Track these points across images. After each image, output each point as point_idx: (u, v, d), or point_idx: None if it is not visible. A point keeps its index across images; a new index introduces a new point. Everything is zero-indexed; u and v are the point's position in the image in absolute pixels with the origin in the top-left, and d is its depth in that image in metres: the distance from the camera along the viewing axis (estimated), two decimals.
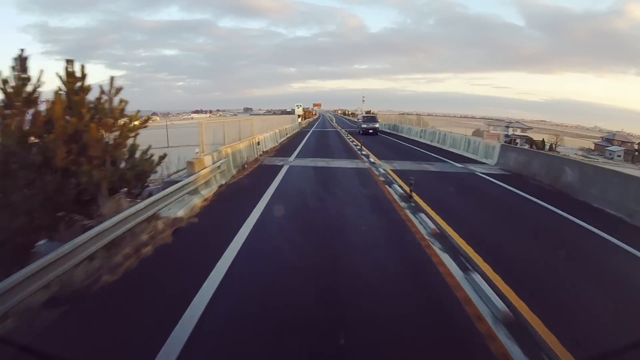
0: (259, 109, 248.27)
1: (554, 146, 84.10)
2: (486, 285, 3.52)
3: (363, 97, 55.19)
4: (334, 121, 55.68)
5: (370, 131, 25.11)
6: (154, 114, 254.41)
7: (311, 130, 27.64)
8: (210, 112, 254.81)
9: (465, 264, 4.10)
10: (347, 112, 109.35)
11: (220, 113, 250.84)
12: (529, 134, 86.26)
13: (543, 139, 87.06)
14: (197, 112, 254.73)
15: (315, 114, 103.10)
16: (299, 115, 41.70)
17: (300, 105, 42.22)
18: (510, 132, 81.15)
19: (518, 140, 65.64)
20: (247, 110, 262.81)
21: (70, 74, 5.10)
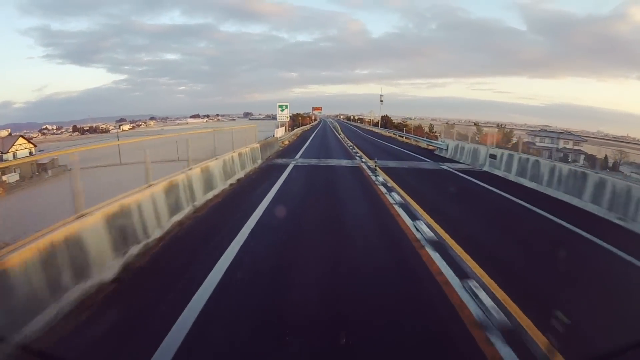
0: (259, 114, 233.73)
1: (617, 164, 65.00)
2: None
3: (381, 96, 37.57)
4: (340, 130, 38.82)
5: None
6: (152, 118, 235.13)
7: (285, 175, 9.39)
8: (207, 116, 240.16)
9: None
10: (352, 118, 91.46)
11: (219, 118, 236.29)
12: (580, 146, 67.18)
13: (606, 155, 68.58)
14: (194, 116, 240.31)
15: (316, 119, 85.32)
16: (281, 125, 23.89)
17: (285, 107, 24.47)
18: (561, 144, 60.62)
19: (570, 156, 47.51)
20: (247, 114, 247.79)
21: None
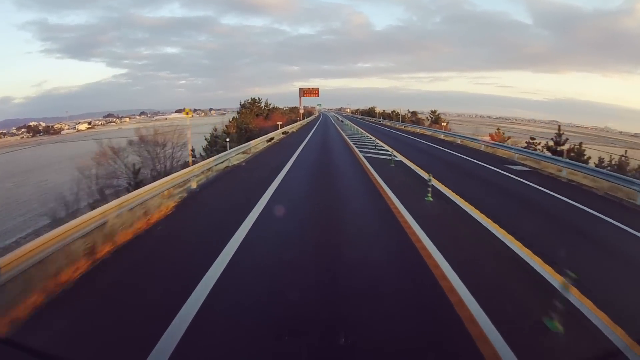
0: None
1: None
2: None
3: None
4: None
5: None
6: (143, 113, 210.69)
7: None
8: (195, 110, 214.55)
9: None
10: (375, 112, 58.21)
11: (213, 112, 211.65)
12: None
13: None
14: (179, 111, 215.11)
15: (312, 114, 54.63)
16: None
17: None
18: None
19: None
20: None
21: None
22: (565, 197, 7.32)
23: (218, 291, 3.05)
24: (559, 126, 15.21)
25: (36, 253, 3.00)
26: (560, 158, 10.79)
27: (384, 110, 53.13)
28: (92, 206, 8.47)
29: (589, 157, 14.82)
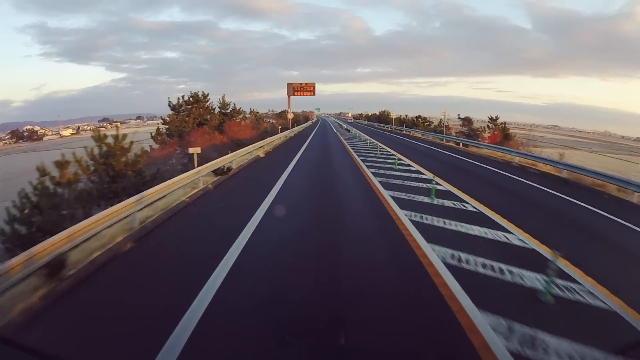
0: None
1: None
2: None
3: None
4: None
5: None
6: (139, 117, 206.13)
7: None
8: None
9: None
10: (391, 118, 47.12)
11: None
12: None
13: None
14: None
15: (310, 118, 45.17)
16: None
17: None
18: None
19: None
20: None
21: None
22: None
23: None
24: None
25: None
26: None
27: (406, 115, 41.32)
28: None
29: None
